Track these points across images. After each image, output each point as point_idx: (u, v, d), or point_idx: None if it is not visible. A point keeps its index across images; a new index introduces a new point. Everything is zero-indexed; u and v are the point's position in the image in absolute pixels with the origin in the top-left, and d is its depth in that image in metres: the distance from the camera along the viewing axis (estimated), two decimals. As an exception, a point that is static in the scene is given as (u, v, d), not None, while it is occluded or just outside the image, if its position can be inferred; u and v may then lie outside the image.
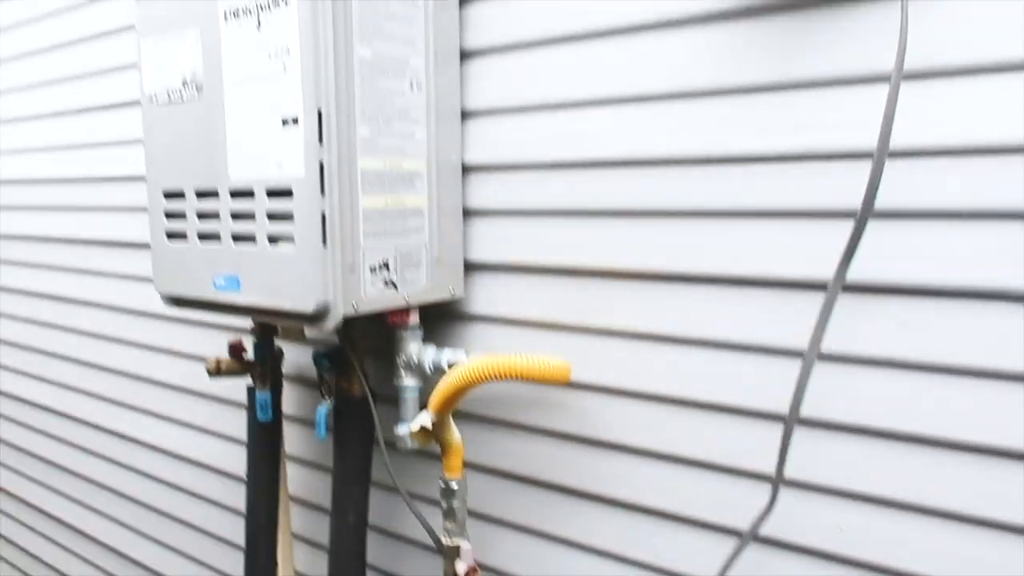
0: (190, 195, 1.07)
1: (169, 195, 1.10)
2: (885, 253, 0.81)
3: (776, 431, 0.89)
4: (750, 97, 0.87)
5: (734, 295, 0.91)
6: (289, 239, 0.95)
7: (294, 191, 0.94)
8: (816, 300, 0.84)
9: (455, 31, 1.07)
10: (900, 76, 0.71)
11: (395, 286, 1.01)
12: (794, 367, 0.84)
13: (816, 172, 0.84)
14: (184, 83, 1.06)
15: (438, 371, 1.06)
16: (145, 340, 1.72)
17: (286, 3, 0.90)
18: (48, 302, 2.00)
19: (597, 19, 0.97)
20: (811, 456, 0.87)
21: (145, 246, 1.64)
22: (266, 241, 0.98)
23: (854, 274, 0.81)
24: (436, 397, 1.00)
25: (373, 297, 0.98)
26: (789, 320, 0.87)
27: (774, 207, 0.87)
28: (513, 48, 1.05)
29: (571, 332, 1.05)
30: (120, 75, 1.68)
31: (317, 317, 0.95)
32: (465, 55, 1.09)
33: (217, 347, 1.53)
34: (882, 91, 0.77)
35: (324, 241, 0.92)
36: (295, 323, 1.00)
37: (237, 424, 1.52)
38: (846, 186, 0.82)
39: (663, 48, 0.93)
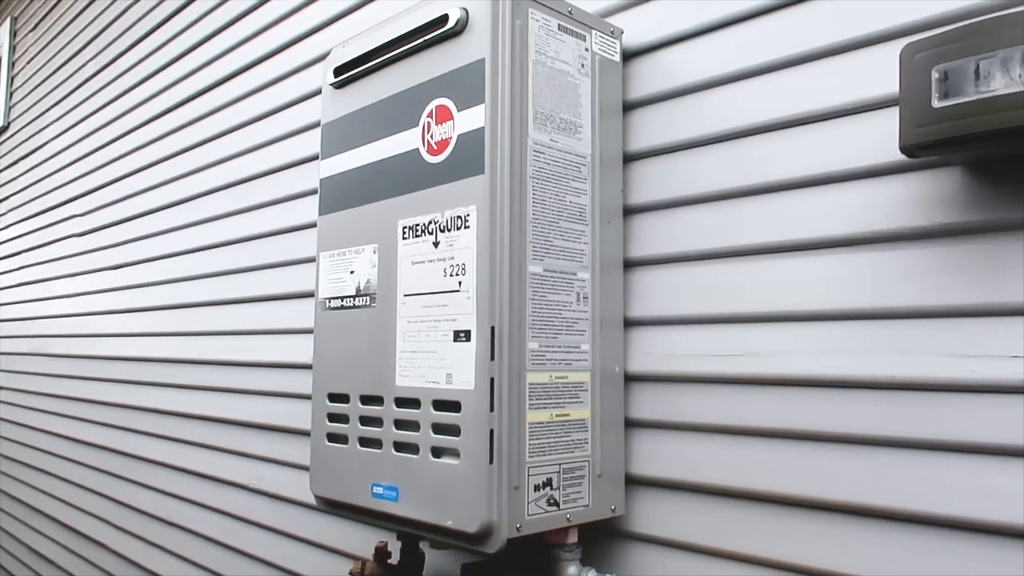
0: (354, 400, 1.09)
1: (334, 398, 1.13)
2: None
3: None
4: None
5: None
6: (454, 453, 0.94)
7: (462, 405, 0.93)
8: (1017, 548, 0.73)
9: (619, 243, 1.08)
10: None
11: (557, 504, 0.96)
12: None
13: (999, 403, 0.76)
14: (357, 292, 1.10)
15: (599, 599, 0.98)
16: (294, 531, 1.70)
17: (466, 226, 0.94)
18: (190, 479, 2.05)
19: (778, 235, 0.96)
20: None
21: (292, 431, 1.68)
22: (429, 453, 0.96)
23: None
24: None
25: (536, 517, 0.93)
26: None
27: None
28: (673, 260, 1.05)
29: (742, 563, 0.95)
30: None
31: (479, 538, 0.91)
32: (628, 264, 1.10)
33: (361, 541, 1.50)
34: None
35: (491, 459, 0.90)
36: (452, 541, 0.96)
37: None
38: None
39: (842, 266, 0.90)
